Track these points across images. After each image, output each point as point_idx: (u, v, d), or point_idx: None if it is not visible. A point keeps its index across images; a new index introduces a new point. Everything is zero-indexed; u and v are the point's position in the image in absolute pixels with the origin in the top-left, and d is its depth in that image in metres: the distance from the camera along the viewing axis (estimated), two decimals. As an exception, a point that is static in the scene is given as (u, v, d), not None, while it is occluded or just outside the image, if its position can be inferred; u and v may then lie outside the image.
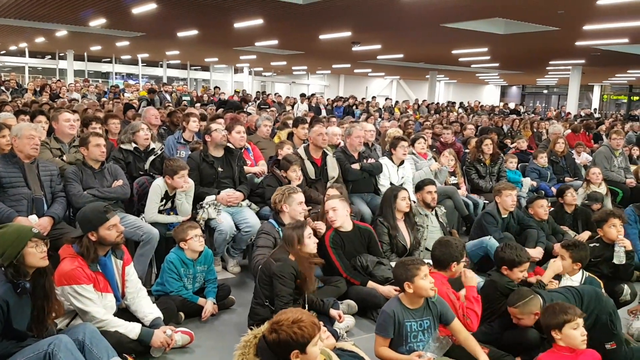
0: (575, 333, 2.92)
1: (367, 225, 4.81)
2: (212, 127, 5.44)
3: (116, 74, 31.62)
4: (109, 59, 30.43)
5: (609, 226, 4.58)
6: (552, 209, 5.94)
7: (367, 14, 12.41)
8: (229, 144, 5.53)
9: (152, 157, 5.29)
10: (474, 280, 3.43)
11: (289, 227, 3.77)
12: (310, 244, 3.72)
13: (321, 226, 4.41)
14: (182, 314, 3.91)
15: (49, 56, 29.76)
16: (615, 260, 4.40)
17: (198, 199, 5.05)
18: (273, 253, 3.76)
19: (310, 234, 3.75)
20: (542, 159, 7.69)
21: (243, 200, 5.30)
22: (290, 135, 7.23)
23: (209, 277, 4.20)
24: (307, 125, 6.82)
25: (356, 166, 6.06)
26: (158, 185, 4.69)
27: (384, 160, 6.37)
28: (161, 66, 31.51)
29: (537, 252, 5.18)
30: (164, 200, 4.76)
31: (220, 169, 5.31)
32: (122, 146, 5.24)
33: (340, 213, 4.49)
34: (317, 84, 35.97)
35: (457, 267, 3.51)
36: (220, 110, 11.72)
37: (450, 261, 3.51)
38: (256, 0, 11.51)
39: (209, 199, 5.02)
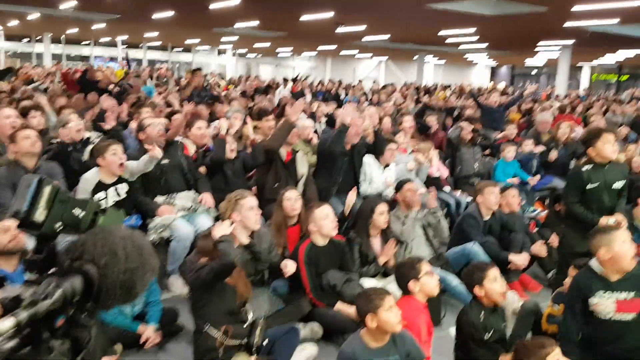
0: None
1: (341, 239, 4.19)
2: (146, 121, 4.77)
3: (96, 57, 30.79)
4: (88, 42, 29.58)
5: (603, 143, 3.94)
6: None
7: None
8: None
9: (89, 147, 4.66)
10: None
11: (203, 237, 3.35)
12: None
13: (292, 267, 3.78)
14: (117, 346, 3.40)
15: (26, 39, 28.90)
16: None
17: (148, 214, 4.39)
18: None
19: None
20: (527, 148, 7.07)
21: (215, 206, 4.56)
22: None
23: (151, 299, 3.64)
24: (271, 118, 6.24)
25: None
26: (86, 177, 4.13)
27: (369, 159, 5.67)
28: (142, 48, 30.69)
29: (522, 259, 4.72)
30: (104, 193, 4.13)
31: (165, 161, 4.56)
32: (54, 142, 4.67)
33: (334, 219, 3.98)
34: (304, 65, 35.24)
35: (418, 284, 3.04)
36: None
37: (406, 282, 3.06)
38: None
39: (160, 221, 4.34)
